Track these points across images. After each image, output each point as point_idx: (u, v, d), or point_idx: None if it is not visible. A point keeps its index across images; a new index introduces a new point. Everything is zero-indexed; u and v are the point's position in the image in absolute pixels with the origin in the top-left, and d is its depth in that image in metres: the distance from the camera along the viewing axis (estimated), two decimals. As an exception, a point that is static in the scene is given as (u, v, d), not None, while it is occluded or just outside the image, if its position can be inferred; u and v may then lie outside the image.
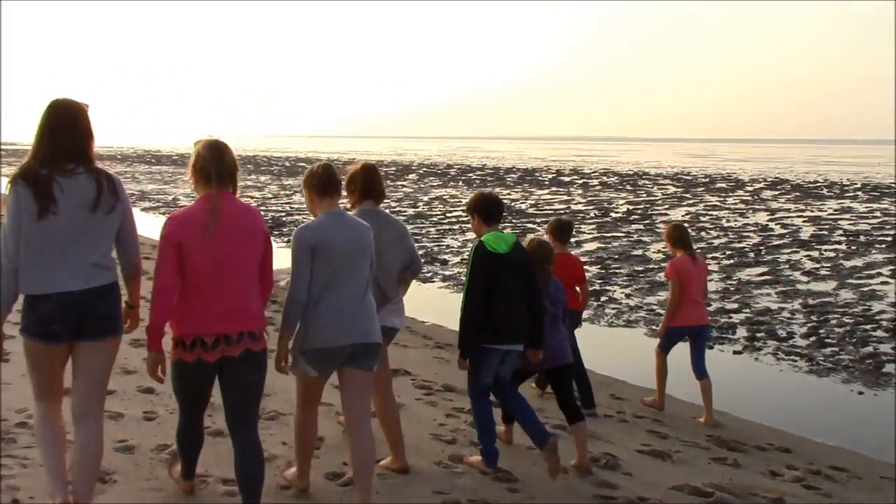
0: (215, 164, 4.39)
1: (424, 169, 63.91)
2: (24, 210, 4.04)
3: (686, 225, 9.09)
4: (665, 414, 8.16)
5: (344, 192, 5.29)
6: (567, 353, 6.18)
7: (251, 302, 4.42)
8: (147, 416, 6.44)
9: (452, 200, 33.84)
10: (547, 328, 5.90)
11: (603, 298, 14.11)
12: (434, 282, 15.67)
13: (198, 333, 4.30)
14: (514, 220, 25.88)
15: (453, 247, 20.07)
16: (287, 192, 37.63)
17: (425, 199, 34.52)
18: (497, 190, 39.97)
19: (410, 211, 28.98)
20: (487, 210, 5.82)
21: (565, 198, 36.21)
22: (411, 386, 8.02)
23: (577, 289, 7.73)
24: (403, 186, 42.95)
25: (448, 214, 27.73)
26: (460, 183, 46.46)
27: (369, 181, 5.53)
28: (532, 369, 6.24)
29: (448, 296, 14.46)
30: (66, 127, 4.19)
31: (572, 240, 11.41)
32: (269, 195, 36.17)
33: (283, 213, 27.72)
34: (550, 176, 54.65)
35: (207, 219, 4.28)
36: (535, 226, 24.51)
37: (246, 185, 43.40)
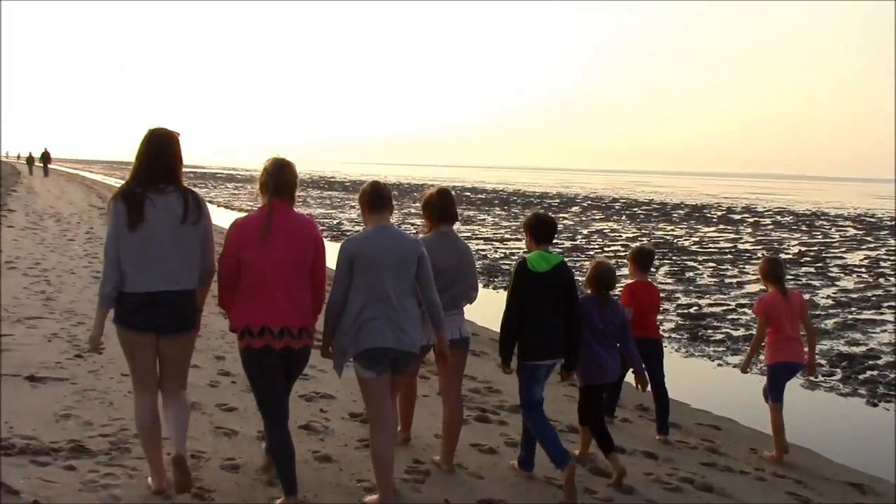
0: (274, 179, 5.09)
1: (589, 202, 63.12)
2: (119, 222, 4.85)
3: (782, 259, 8.74)
4: (805, 471, 7.48)
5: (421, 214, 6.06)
6: (613, 372, 6.45)
7: (306, 301, 5.10)
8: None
9: (612, 234, 33.12)
10: (596, 346, 6.29)
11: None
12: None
13: (263, 322, 4.93)
14: (674, 257, 24.95)
15: (605, 282, 19.47)
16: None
17: (584, 232, 33.94)
18: (660, 226, 38.90)
19: (567, 244, 28.52)
20: (539, 230, 6.18)
21: (732, 236, 34.68)
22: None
23: (655, 317, 7.91)
24: (565, 219, 42.47)
25: (605, 248, 27.08)
26: (623, 217, 45.51)
27: (445, 205, 6.12)
28: (590, 384, 6.44)
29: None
30: (161, 153, 4.98)
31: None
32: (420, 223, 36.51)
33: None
34: (720, 213, 52.70)
35: (262, 224, 4.97)
36: (696, 264, 23.51)
37: (411, 212, 44.25)
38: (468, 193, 71.88)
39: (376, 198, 5.39)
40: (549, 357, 6.03)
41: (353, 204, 50.29)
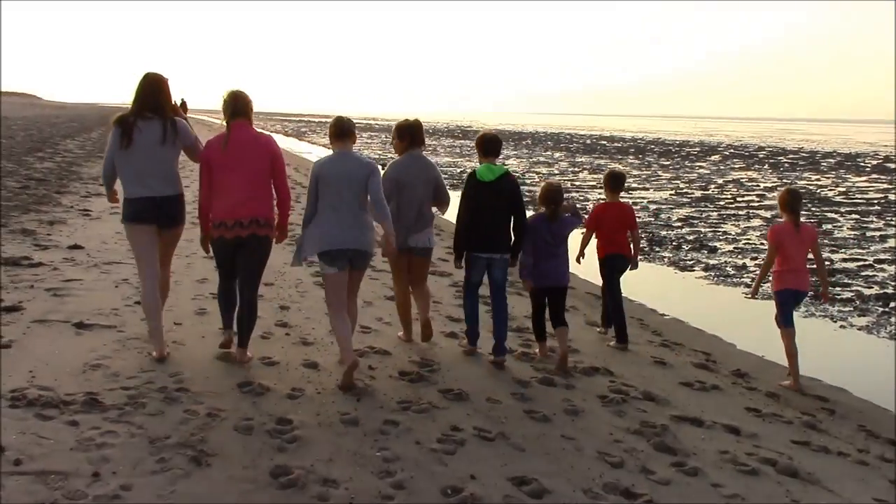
0: (230, 105, 6.53)
1: (731, 150, 60.13)
2: (114, 143, 6.43)
3: (800, 191, 8.89)
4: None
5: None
6: (561, 278, 7.51)
7: (258, 199, 6.43)
8: (294, 394, 5.99)
9: (749, 184, 31.14)
10: (548, 255, 7.38)
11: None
12: (693, 270, 14.08)
13: (221, 218, 6.42)
14: (813, 208, 23.10)
15: (730, 234, 18.11)
16: (576, 170, 36.76)
17: (719, 181, 32.07)
18: (805, 174, 36.43)
19: (697, 193, 26.96)
20: (485, 145, 7.31)
21: (885, 186, 31.96)
22: (606, 388, 6.88)
23: (629, 235, 8.48)
24: (701, 167, 40.45)
25: (738, 199, 25.41)
26: (766, 166, 42.91)
27: (415, 133, 7.39)
28: (540, 287, 7.49)
29: (703, 288, 12.87)
30: (151, 91, 6.51)
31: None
32: (556, 171, 35.51)
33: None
34: (875, 162, 48.93)
35: (226, 140, 6.43)
36: (836, 216, 21.65)
37: (538, 160, 43.19)
38: (604, 142, 69.89)
39: (338, 129, 6.59)
40: (486, 251, 7.20)
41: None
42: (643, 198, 25.30)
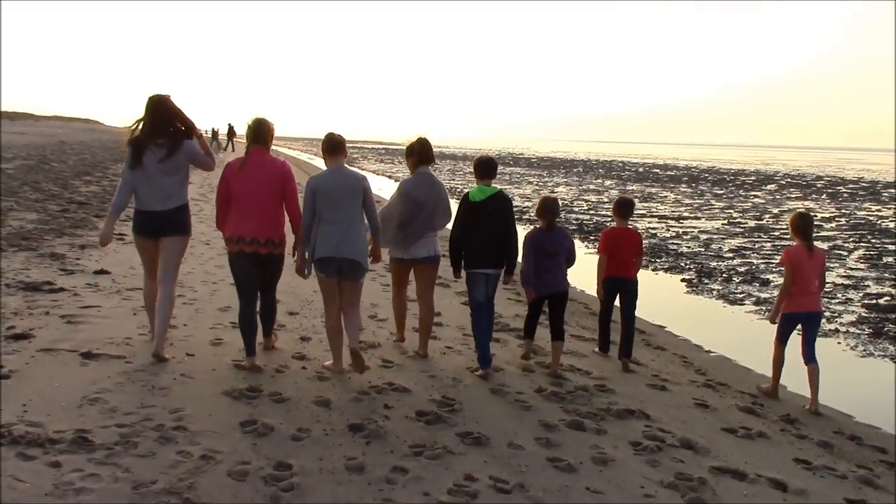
0: (253, 131, 7.12)
1: (788, 179, 58.79)
2: (127, 162, 7.05)
3: (812, 216, 8.76)
4: None
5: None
6: (560, 284, 7.95)
7: (275, 220, 6.98)
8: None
9: (805, 214, 30.15)
10: (546, 262, 7.83)
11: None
12: (743, 304, 13.40)
13: (239, 234, 6.92)
14: (873, 240, 22.17)
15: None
16: (625, 198, 36.02)
17: (775, 211, 31.15)
18: (865, 205, 35.28)
19: (751, 223, 26.13)
20: (479, 169, 7.76)
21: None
22: (640, 433, 6.35)
23: (634, 259, 8.75)
24: (756, 197, 39.45)
25: (794, 229, 24.53)
26: (824, 196, 41.71)
27: (424, 151, 7.83)
28: (540, 295, 8.00)
29: (753, 324, 12.20)
30: (157, 111, 7.07)
31: None
32: (606, 199, 34.87)
33: (609, 219, 26.25)
34: (941, 193, 47.29)
35: (244, 163, 6.99)
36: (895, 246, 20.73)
37: (588, 187, 42.58)
38: (657, 170, 68.90)
39: (331, 146, 7.20)
40: (482, 267, 7.59)
41: (530, 179, 49.18)
42: (694, 227, 24.58)
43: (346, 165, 7.20)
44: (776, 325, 8.41)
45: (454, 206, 7.76)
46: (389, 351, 8.05)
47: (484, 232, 7.51)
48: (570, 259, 8.05)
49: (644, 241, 20.63)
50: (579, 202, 32.90)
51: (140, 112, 7.13)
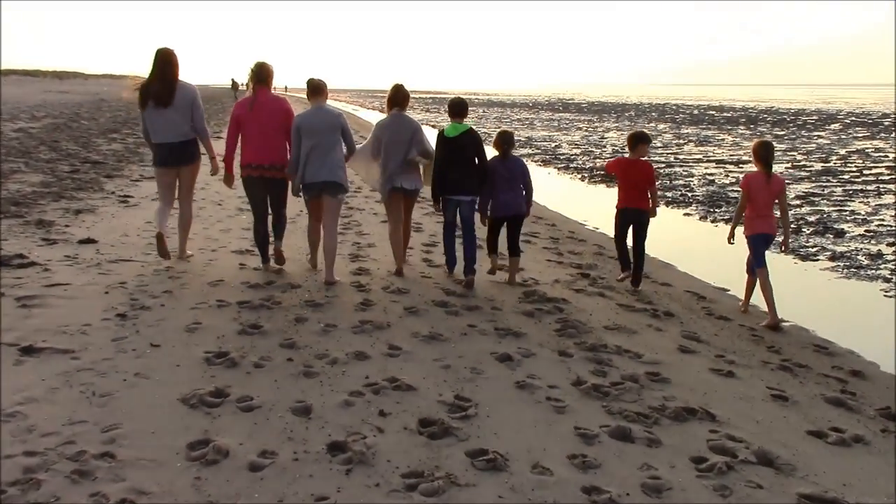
0: (256, 74, 8.33)
1: (853, 118, 55.81)
2: (144, 105, 8.42)
3: (772, 144, 9.01)
4: None
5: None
6: (518, 207, 8.71)
7: (280, 149, 8.34)
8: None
9: (876, 155, 28.02)
10: (502, 188, 8.61)
11: None
12: (817, 260, 11.80)
13: (248, 161, 8.29)
14: (954, 182, 20.21)
15: (858, 214, 15.61)
16: (680, 142, 34.11)
17: (842, 152, 29.02)
18: (939, 143, 32.91)
19: (818, 166, 24.18)
20: (451, 108, 8.76)
21: None
22: (704, 443, 4.98)
23: (648, 191, 9.17)
24: (819, 137, 37.12)
25: (865, 172, 22.58)
26: (893, 134, 39.17)
27: (396, 95, 8.78)
28: (498, 216, 8.77)
29: (830, 284, 10.64)
30: (164, 63, 8.38)
31: None
32: (659, 144, 32.97)
33: (663, 165, 24.54)
34: None
35: (251, 101, 8.27)
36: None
37: (641, 133, 40.56)
38: (712, 112, 66.16)
39: (313, 89, 8.41)
40: (455, 193, 8.53)
41: (579, 125, 47.23)
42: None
43: (326, 104, 8.40)
44: (748, 248, 8.69)
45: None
46: (400, 335, 6.76)
47: (456, 163, 8.49)
48: (527, 186, 8.77)
49: (701, 189, 19.14)
50: (630, 148, 31.09)
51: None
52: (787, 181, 20.46)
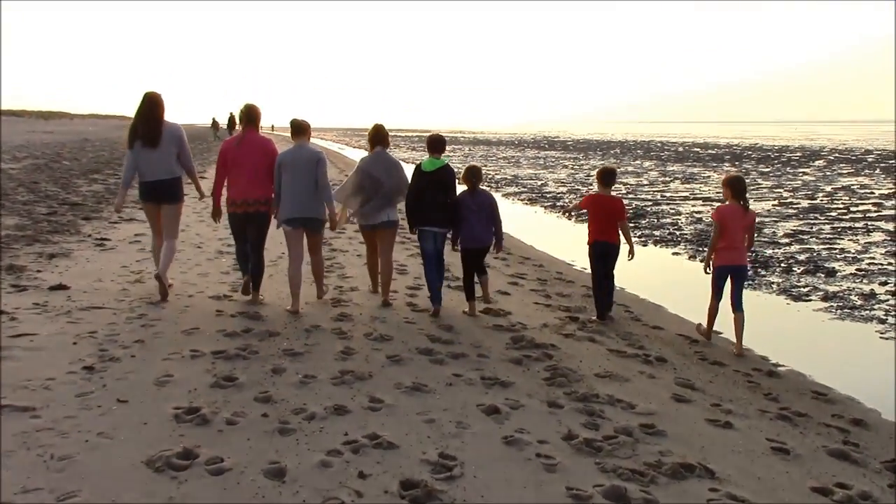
0: (245, 117, 8.92)
1: (836, 154, 56.14)
2: (132, 144, 8.82)
3: (743, 177, 9.32)
4: None
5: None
6: (484, 239, 9.14)
7: (260, 185, 8.79)
8: None
9: (862, 191, 28.01)
10: (472, 219, 9.00)
11: None
12: (810, 300, 11.58)
13: (233, 198, 8.79)
14: (942, 218, 20.11)
15: (849, 252, 15.42)
16: (666, 179, 34.08)
17: (828, 189, 29.02)
18: (924, 179, 33.01)
19: (804, 203, 24.10)
20: (430, 144, 9.25)
21: None
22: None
23: (618, 225, 9.41)
24: (804, 174, 37.19)
25: (853, 209, 22.49)
26: (878, 171, 39.29)
27: (378, 135, 9.30)
28: (467, 248, 9.15)
29: (825, 325, 10.39)
30: (151, 106, 8.83)
31: None
32: (645, 182, 32.91)
33: (650, 203, 24.42)
34: None
35: (239, 140, 8.80)
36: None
37: (627, 169, 40.69)
38: (697, 149, 66.48)
39: (296, 128, 8.99)
40: (428, 225, 8.96)
41: (565, 163, 47.26)
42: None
43: (307, 143, 8.92)
44: (710, 278, 8.98)
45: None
46: (382, 386, 6.44)
47: (432, 197, 8.89)
48: (494, 217, 9.09)
49: (689, 227, 18.95)
50: (617, 185, 30.97)
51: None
52: (775, 219, 20.42)
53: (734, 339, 8.89)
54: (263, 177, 8.73)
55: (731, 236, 8.73)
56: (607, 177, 9.59)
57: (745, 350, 8.80)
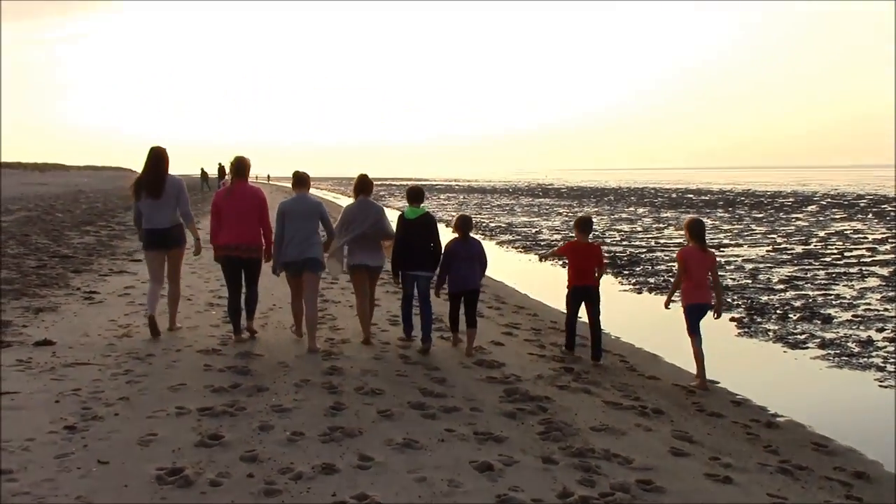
0: (235, 169, 9.64)
1: (828, 199, 56.38)
2: (137, 195, 9.68)
3: (703, 221, 9.87)
4: None
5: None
6: (473, 282, 9.69)
7: (252, 232, 9.53)
8: None
9: (855, 236, 28.02)
10: (462, 265, 9.58)
11: None
12: (807, 347, 11.44)
13: (226, 243, 9.44)
14: (936, 263, 20.06)
15: (845, 298, 15.32)
16: (660, 226, 34.11)
17: (821, 234, 29.04)
18: (917, 224, 33.06)
19: (798, 248, 24.08)
20: (409, 195, 10.02)
21: None
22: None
23: (595, 269, 9.98)
24: (797, 219, 37.27)
25: (847, 255, 22.45)
26: (870, 216, 39.41)
27: (363, 184, 10.01)
28: (457, 291, 9.71)
29: (823, 374, 10.25)
30: (156, 161, 9.68)
31: None
32: (639, 228, 32.93)
33: (644, 250, 24.39)
34: None
35: (229, 191, 9.54)
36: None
37: (621, 216, 40.79)
38: (690, 195, 66.77)
39: (297, 180, 9.77)
40: (413, 269, 9.68)
41: (559, 210, 47.37)
42: (737, 255, 22.58)
43: (308, 194, 9.71)
44: (684, 317, 9.34)
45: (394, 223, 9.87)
46: (373, 444, 6.28)
47: (414, 242, 9.64)
48: (483, 263, 9.77)
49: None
50: (611, 232, 31.00)
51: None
52: (768, 265, 20.37)
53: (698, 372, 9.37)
54: (251, 224, 9.46)
55: (696, 276, 9.22)
56: (584, 225, 10.17)
57: (741, 402, 8.84)
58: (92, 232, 23.24)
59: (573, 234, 10.74)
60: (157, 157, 9.66)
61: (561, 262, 20.42)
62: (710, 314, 9.38)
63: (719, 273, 10.20)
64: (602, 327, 10.04)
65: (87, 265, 15.98)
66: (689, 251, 9.35)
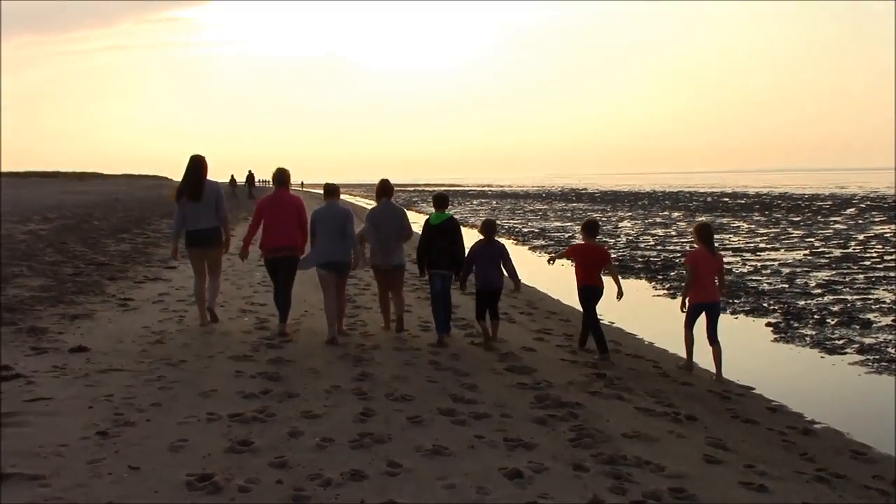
0: (276, 180, 10.87)
1: (868, 202, 55.54)
2: (179, 199, 10.79)
3: (711, 225, 10.80)
4: None
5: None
6: (495, 283, 10.58)
7: (292, 235, 10.55)
8: None
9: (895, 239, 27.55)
10: (484, 266, 10.57)
11: None
12: (845, 353, 11.25)
13: (268, 246, 10.56)
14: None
15: (884, 302, 15.06)
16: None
17: (860, 237, 28.60)
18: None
19: (837, 252, 23.72)
20: (435, 201, 10.95)
21: None
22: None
23: (602, 270, 10.50)
24: (835, 222, 36.74)
25: (887, 258, 22.08)
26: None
27: (384, 187, 11.03)
28: (483, 290, 10.58)
29: (861, 379, 10.06)
30: (195, 168, 10.77)
31: None
32: (674, 233, 32.64)
33: (678, 254, 24.15)
34: None
35: (272, 198, 10.70)
36: None
37: (655, 220, 40.48)
38: (726, 199, 66.15)
39: (328, 191, 10.94)
40: (438, 269, 10.52)
41: (593, 214, 47.14)
42: (773, 259, 22.32)
43: (337, 202, 10.70)
44: (684, 314, 10.04)
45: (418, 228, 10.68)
46: (399, 448, 6.26)
47: (439, 245, 10.51)
48: (506, 264, 10.61)
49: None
50: (645, 237, 30.76)
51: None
52: (806, 269, 20.10)
53: (714, 370, 9.97)
54: (292, 228, 10.50)
55: (703, 277, 9.85)
56: (591, 228, 10.86)
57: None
58: (128, 239, 23.50)
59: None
60: (197, 164, 10.76)
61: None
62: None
63: (725, 275, 10.68)
64: (603, 322, 10.80)
65: (122, 272, 16.15)
66: (699, 253, 10.02)
